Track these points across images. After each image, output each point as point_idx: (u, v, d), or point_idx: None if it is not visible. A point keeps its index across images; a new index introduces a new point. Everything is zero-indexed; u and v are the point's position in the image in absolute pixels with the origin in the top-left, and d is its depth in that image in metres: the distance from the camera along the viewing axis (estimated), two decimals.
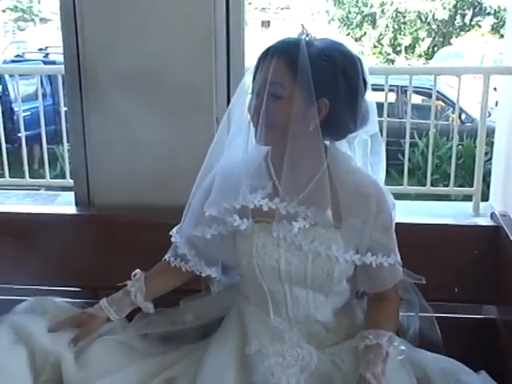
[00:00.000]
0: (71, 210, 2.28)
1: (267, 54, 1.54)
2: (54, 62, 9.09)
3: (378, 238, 1.61)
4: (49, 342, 1.75)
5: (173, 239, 1.75)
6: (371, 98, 1.61)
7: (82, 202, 2.27)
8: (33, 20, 23.11)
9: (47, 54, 12.25)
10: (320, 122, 1.51)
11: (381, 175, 1.71)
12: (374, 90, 1.64)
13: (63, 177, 4.50)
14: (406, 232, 1.67)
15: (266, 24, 23.43)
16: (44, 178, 4.16)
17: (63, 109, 3.86)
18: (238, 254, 1.64)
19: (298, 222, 1.57)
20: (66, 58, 2.22)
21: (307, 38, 1.53)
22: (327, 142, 1.62)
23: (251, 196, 1.59)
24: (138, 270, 1.80)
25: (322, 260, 1.58)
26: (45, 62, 10.11)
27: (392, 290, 1.69)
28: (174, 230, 1.76)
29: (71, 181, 2.58)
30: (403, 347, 1.62)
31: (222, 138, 1.67)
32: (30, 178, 4.21)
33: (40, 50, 13.56)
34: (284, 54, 1.51)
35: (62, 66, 2.26)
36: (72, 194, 2.33)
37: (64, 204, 3.15)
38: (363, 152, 1.69)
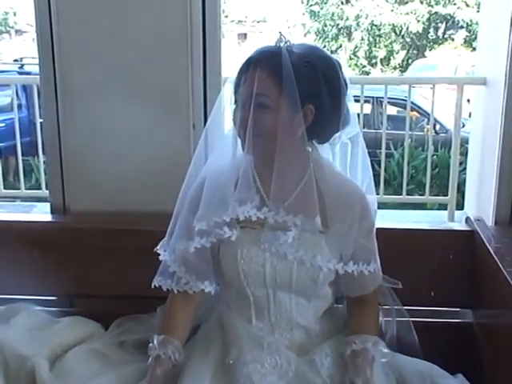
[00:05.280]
0: (46, 217, 2.26)
1: (249, 66, 1.53)
2: (29, 73, 8.97)
3: (362, 243, 1.62)
4: (24, 349, 1.73)
5: (161, 257, 1.65)
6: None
7: (57, 209, 2.25)
8: (8, 32, 22.90)
9: (22, 65, 12.10)
10: (307, 127, 1.52)
11: (366, 175, 1.70)
12: None
13: (39, 188, 4.44)
14: (382, 237, 1.67)
15: (242, 36, 23.50)
16: (19, 189, 4.11)
17: (38, 120, 3.83)
18: (223, 261, 1.63)
19: (292, 231, 1.56)
20: (41, 66, 2.20)
21: (286, 45, 1.53)
22: (309, 149, 1.62)
23: (240, 209, 1.56)
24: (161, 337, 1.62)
25: (307, 266, 1.58)
26: (20, 73, 9.97)
27: (372, 293, 1.70)
28: (159, 246, 1.66)
29: (47, 191, 2.55)
30: (387, 350, 1.65)
31: (203, 149, 1.67)
32: (5, 189, 4.16)
33: (15, 61, 13.40)
34: (267, 65, 1.51)
35: (38, 76, 2.25)
36: (48, 204, 2.30)
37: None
38: (343, 155, 1.70)
